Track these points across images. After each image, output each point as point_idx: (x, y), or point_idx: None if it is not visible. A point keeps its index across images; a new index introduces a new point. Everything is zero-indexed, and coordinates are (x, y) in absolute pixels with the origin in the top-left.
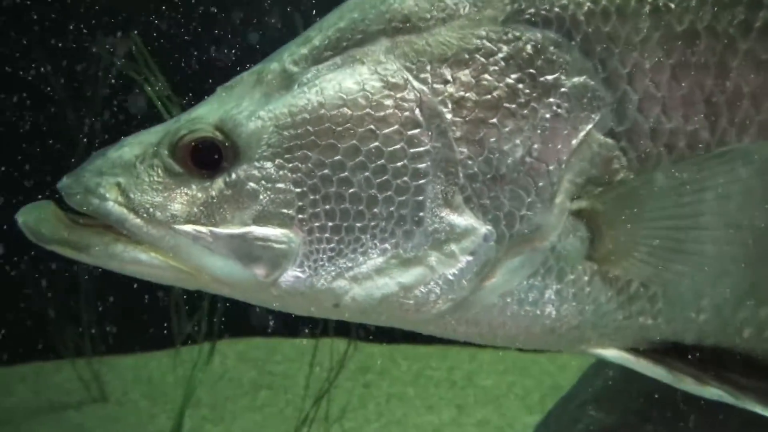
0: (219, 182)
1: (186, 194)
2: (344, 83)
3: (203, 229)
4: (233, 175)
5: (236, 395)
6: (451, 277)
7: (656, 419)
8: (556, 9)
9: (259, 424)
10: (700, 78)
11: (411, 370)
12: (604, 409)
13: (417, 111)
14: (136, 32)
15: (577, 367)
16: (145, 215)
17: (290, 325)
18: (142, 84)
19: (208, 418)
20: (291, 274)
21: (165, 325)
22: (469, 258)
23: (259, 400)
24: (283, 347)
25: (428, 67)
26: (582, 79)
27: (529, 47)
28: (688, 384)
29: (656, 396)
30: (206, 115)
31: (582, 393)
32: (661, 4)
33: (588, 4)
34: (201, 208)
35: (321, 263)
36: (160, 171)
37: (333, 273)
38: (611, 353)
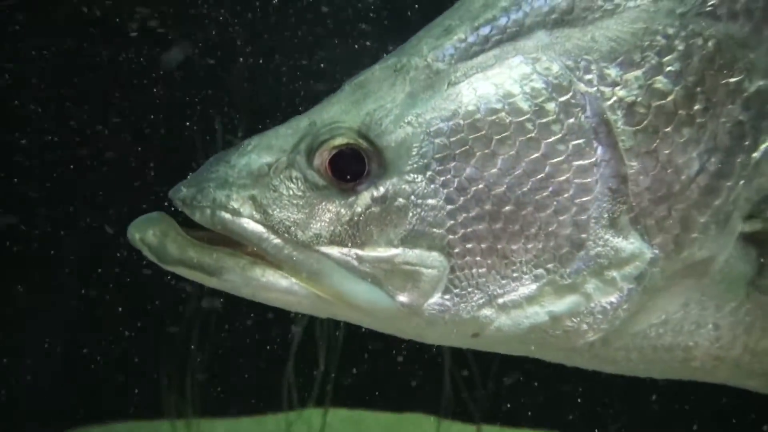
0: (365, 197)
1: (329, 211)
2: (501, 85)
3: (348, 251)
4: (381, 189)
5: None
6: (607, 306)
7: None
8: (744, 0)
9: None
10: None
11: None
12: None
13: (583, 118)
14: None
15: None
16: (285, 234)
17: (373, 397)
18: None
19: None
20: (436, 302)
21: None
22: (631, 286)
23: None
24: (367, 421)
25: (594, 67)
26: (767, 82)
27: (710, 45)
28: None
29: None
30: (344, 118)
31: None
32: None
33: None
34: (345, 226)
35: (469, 290)
36: (299, 183)
37: (481, 301)
38: (756, 384)
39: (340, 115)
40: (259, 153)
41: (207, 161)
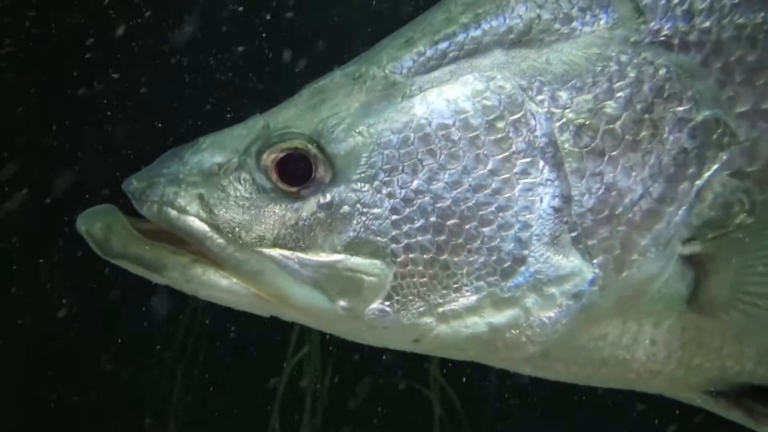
0: (311, 203)
1: (274, 214)
2: (454, 100)
3: (290, 254)
4: (327, 196)
5: None
6: (546, 321)
7: None
8: (697, 32)
9: None
10: None
11: None
12: None
13: (531, 137)
14: None
15: None
16: (229, 234)
17: None
18: None
19: None
20: (377, 308)
21: None
22: (570, 302)
23: None
24: None
25: (547, 88)
26: (714, 112)
27: (661, 74)
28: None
29: None
30: (297, 123)
31: None
32: None
33: (733, 29)
34: (289, 230)
35: (410, 298)
36: (247, 185)
37: (421, 309)
38: (689, 395)
39: (294, 119)
40: (211, 152)
41: (162, 155)
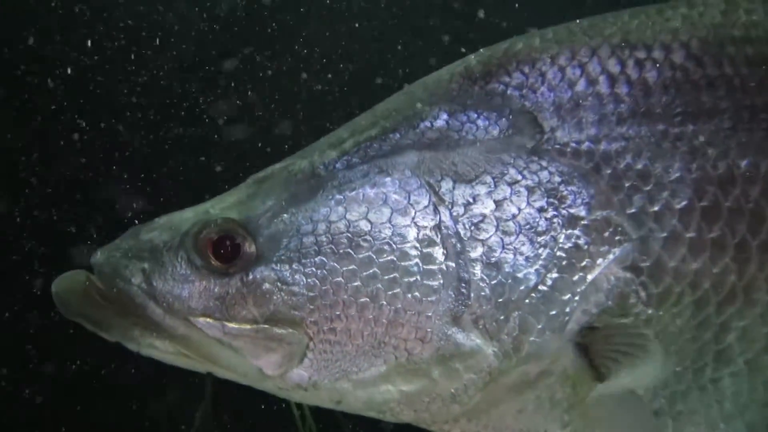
0: (236, 280)
1: (204, 288)
2: (367, 195)
3: (216, 323)
4: (250, 275)
5: None
6: (453, 391)
7: None
8: (588, 142)
9: None
10: (733, 222)
11: None
12: None
13: (435, 229)
14: None
15: None
16: (164, 304)
17: None
18: None
19: None
20: (296, 372)
21: None
22: (472, 376)
23: None
24: None
25: (451, 186)
26: (605, 213)
27: (555, 178)
28: None
29: None
30: (233, 210)
31: None
32: (697, 145)
33: (621, 140)
34: (216, 302)
35: (325, 365)
36: (183, 263)
37: (336, 375)
38: None
39: (231, 206)
40: (161, 231)
41: (127, 231)
